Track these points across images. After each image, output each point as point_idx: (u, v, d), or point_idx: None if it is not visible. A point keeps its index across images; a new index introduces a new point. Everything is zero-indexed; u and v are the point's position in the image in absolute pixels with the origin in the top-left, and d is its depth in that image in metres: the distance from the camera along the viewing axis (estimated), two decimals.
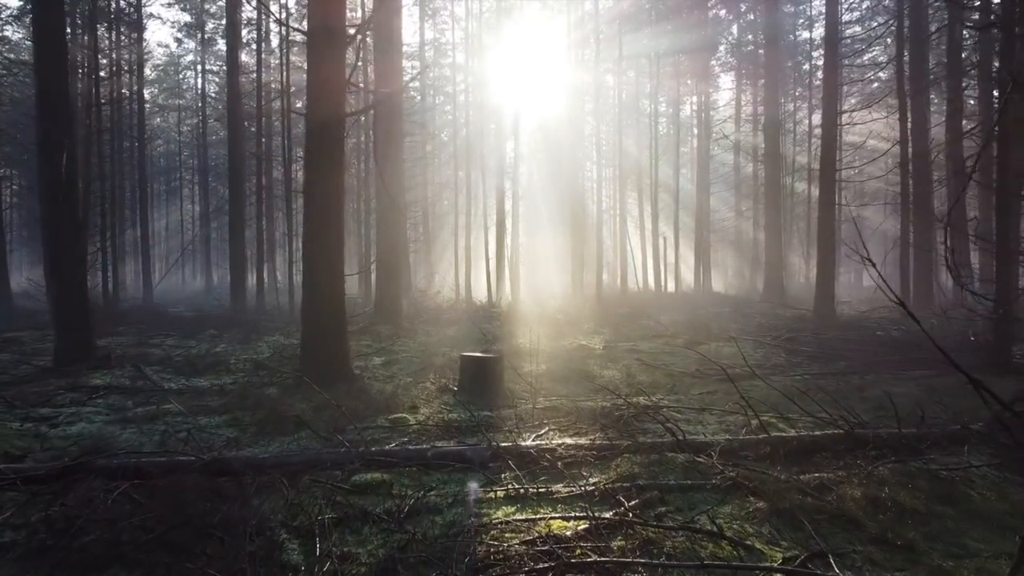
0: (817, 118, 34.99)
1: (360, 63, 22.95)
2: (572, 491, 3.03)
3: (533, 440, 3.95)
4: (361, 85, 11.44)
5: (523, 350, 9.77)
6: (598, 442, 3.68)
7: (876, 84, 34.37)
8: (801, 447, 3.91)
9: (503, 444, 3.58)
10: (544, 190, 39.76)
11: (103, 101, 19.27)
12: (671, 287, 28.00)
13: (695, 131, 36.93)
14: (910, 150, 15.27)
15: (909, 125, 15.12)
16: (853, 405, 5.26)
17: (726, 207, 38.20)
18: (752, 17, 32.87)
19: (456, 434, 4.60)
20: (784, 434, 4.10)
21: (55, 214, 7.12)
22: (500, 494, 2.99)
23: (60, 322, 7.31)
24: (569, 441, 3.76)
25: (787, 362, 8.53)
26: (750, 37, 34.27)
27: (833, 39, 12.73)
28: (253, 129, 22.41)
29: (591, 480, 3.21)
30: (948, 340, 10.03)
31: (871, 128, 22.30)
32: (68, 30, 23.32)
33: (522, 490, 3.01)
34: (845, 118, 14.87)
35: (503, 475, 3.27)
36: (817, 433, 4.05)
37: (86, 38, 18.63)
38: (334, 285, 6.21)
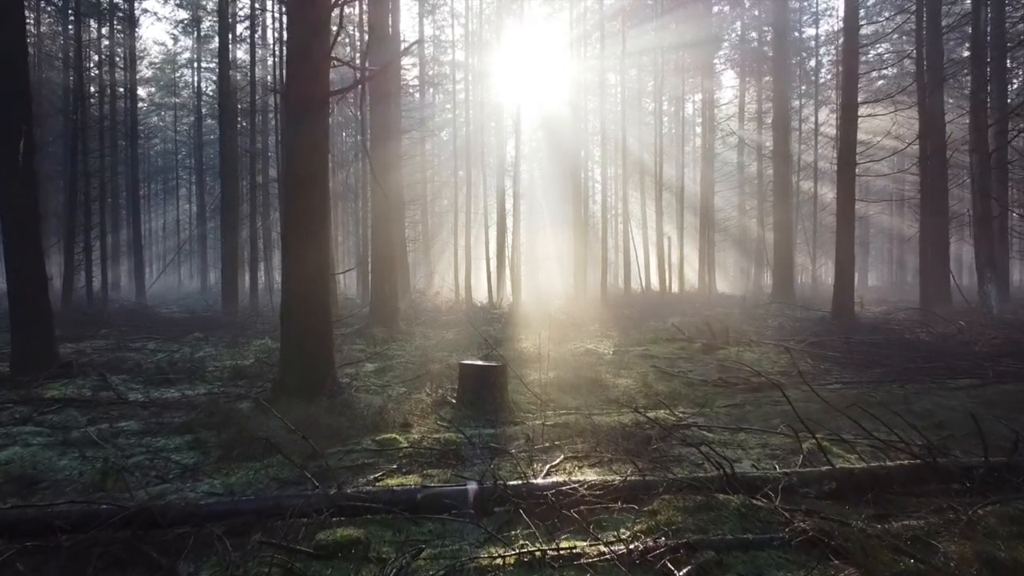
0: (823, 115, 34.38)
1: (353, 46, 22.27)
2: (603, 552, 2.33)
3: (547, 476, 3.24)
4: (349, 60, 10.67)
5: (527, 355, 9.07)
6: (629, 478, 2.97)
7: (881, 81, 33.74)
8: (873, 481, 3.21)
9: (511, 483, 2.87)
10: (546, 189, 39.13)
11: (89, 94, 18.58)
12: (675, 287, 27.28)
13: (697, 129, 36.33)
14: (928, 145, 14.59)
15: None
16: (906, 421, 4.57)
17: (730, 206, 37.66)
18: (756, 13, 32.30)
19: (453, 461, 3.90)
20: (851, 465, 3.39)
21: (11, 205, 6.42)
22: (511, 559, 2.29)
23: (16, 325, 6.60)
24: (592, 477, 3.05)
25: (815, 369, 7.82)
26: (754, 35, 33.71)
27: (853, 23, 12.04)
28: (248, 126, 21.72)
29: (625, 535, 2.51)
30: (982, 345, 9.35)
31: (880, 125, 21.59)
32: (60, 27, 22.67)
33: (538, 552, 2.31)
34: (864, 110, 14.14)
35: (514, 531, 2.56)
36: (891, 464, 3.35)
37: (71, 29, 17.93)
38: (318, 283, 5.51)
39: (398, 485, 3.52)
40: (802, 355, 8.57)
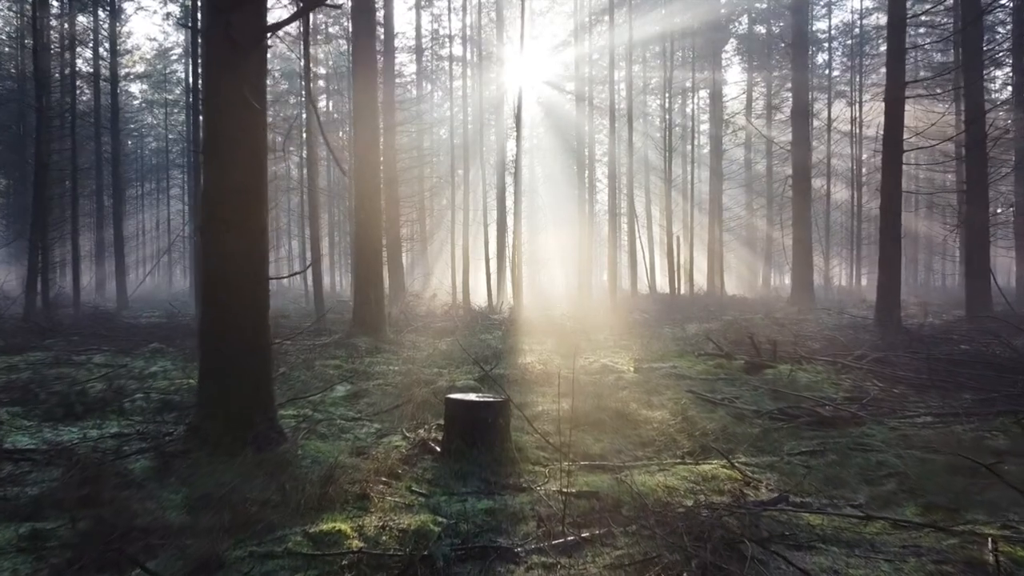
0: (837, 110, 32.95)
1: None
2: None
3: None
4: None
5: (533, 373, 7.55)
6: None
7: None
8: None
9: None
10: (548, 187, 37.75)
11: (50, 81, 17.11)
12: (683, 289, 25.78)
13: (702, 127, 34.97)
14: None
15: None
16: None
17: (737, 205, 36.37)
18: (764, 6, 31.09)
19: None
20: None
21: None
22: None
23: None
24: None
25: (888, 394, 6.32)
26: (762, 29, 32.46)
27: None
28: None
29: None
30: None
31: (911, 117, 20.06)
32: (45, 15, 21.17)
33: None
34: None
35: None
36: None
37: (32, 10, 16.47)
38: (252, 294, 4.00)
39: None
40: (867, 375, 7.07)
